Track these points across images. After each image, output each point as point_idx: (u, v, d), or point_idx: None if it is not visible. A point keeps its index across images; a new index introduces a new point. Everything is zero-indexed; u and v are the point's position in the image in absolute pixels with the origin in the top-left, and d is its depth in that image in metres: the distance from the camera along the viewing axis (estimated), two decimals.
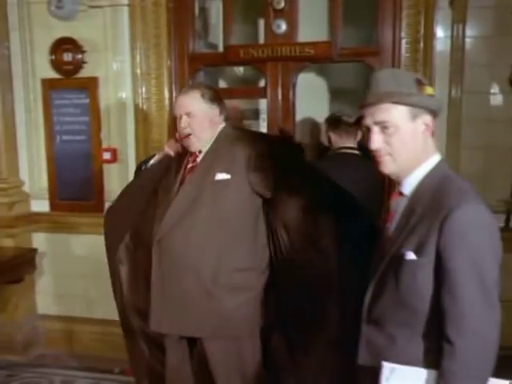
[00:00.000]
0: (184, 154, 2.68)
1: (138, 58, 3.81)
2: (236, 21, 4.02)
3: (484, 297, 1.50)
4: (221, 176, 2.50)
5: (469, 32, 3.44)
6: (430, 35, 3.45)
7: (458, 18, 3.43)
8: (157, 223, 2.57)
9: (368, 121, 1.70)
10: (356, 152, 3.36)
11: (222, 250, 2.48)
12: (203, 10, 4.61)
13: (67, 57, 3.86)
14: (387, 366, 1.62)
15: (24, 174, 4.15)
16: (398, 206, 1.75)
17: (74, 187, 4.03)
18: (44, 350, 4.26)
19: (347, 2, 3.74)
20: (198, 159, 2.61)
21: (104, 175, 3.99)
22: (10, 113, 4.05)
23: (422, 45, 3.47)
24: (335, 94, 5.14)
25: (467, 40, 3.45)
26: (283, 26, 3.77)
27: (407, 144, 1.65)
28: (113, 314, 4.09)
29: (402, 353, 1.64)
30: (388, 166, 1.70)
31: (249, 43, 4.37)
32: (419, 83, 1.68)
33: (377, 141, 1.67)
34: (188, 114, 2.54)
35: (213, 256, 2.47)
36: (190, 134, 2.55)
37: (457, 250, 1.51)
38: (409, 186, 1.71)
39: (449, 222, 1.52)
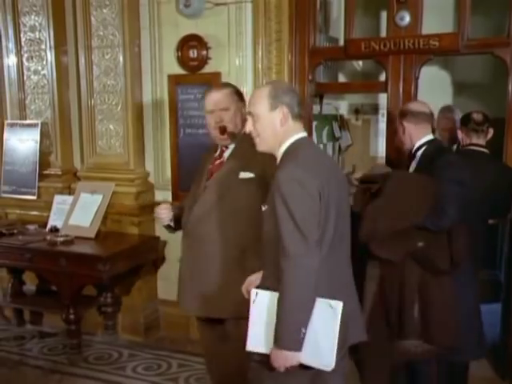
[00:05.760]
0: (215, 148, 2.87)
1: (259, 53, 3.87)
2: (357, 14, 3.96)
3: (296, 229, 1.94)
4: (244, 174, 2.66)
5: None
6: None
7: None
8: (186, 213, 2.82)
9: None
10: (484, 150, 3.24)
11: (246, 241, 2.63)
12: (324, 4, 4.61)
13: (193, 53, 4.00)
14: (253, 291, 2.11)
15: (150, 166, 4.36)
16: None
17: None
18: (163, 333, 4.46)
19: None
20: (225, 154, 2.78)
21: None
22: (139, 107, 4.26)
23: None
24: (460, 87, 4.94)
25: None
26: (407, 18, 3.68)
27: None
28: None
29: (264, 281, 2.15)
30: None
31: (370, 36, 4.28)
32: None
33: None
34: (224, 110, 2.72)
35: (237, 247, 2.66)
36: (225, 128, 2.72)
37: (276, 198, 1.99)
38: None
39: (274, 180, 2.03)
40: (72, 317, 3.92)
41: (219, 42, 3.96)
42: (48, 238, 3.99)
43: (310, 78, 3.96)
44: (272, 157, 2.20)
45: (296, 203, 1.95)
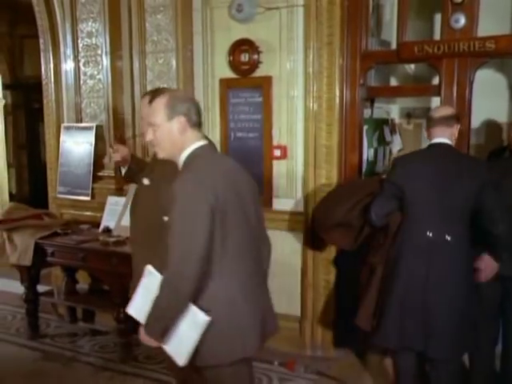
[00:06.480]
0: None
1: (310, 57, 3.87)
2: (410, 17, 3.91)
3: (181, 243, 2.04)
4: (145, 181, 2.80)
5: None
6: None
7: None
8: None
9: None
10: None
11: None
12: (377, 7, 4.55)
13: (244, 57, 4.05)
14: (148, 269, 2.26)
15: None
16: None
17: None
18: None
19: None
20: None
21: (273, 171, 4.11)
22: None
23: None
24: None
25: None
26: (462, 20, 3.60)
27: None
28: (276, 306, 4.23)
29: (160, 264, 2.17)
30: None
31: (423, 39, 4.21)
32: None
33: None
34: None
35: (150, 252, 2.62)
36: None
37: (171, 211, 2.06)
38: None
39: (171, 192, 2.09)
40: (123, 316, 3.98)
41: (270, 46, 3.98)
42: (101, 238, 4.09)
43: (361, 81, 3.93)
44: (172, 164, 2.28)
45: (186, 218, 2.04)
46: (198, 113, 2.23)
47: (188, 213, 2.05)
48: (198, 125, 2.23)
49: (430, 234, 2.92)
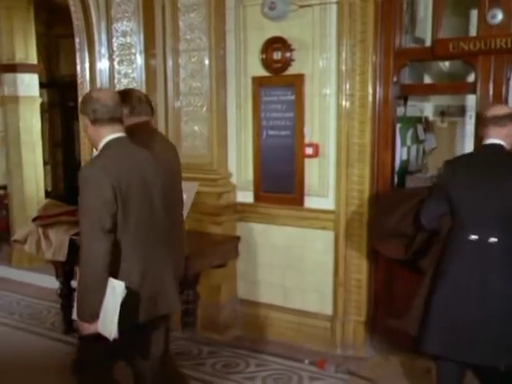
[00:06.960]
0: None
1: (343, 54, 3.85)
2: (445, 13, 3.85)
3: (87, 220, 2.32)
4: None
5: None
6: None
7: None
8: None
9: None
10: None
11: None
12: (411, 4, 4.51)
13: (277, 55, 4.05)
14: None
15: (232, 167, 4.43)
16: None
17: (277, 180, 4.22)
18: (241, 332, 4.52)
19: None
20: None
21: (305, 170, 4.11)
22: (223, 109, 4.35)
23: None
24: None
25: None
26: (499, 16, 3.53)
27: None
28: (307, 305, 4.23)
29: None
30: None
31: (459, 36, 4.14)
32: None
33: None
34: None
35: None
36: None
37: (80, 190, 2.35)
38: None
39: None
40: None
41: (303, 44, 3.98)
42: None
43: (394, 79, 3.89)
44: None
45: (87, 197, 2.33)
46: (109, 110, 2.44)
47: (91, 192, 2.32)
48: (108, 120, 2.45)
49: (474, 237, 2.86)
